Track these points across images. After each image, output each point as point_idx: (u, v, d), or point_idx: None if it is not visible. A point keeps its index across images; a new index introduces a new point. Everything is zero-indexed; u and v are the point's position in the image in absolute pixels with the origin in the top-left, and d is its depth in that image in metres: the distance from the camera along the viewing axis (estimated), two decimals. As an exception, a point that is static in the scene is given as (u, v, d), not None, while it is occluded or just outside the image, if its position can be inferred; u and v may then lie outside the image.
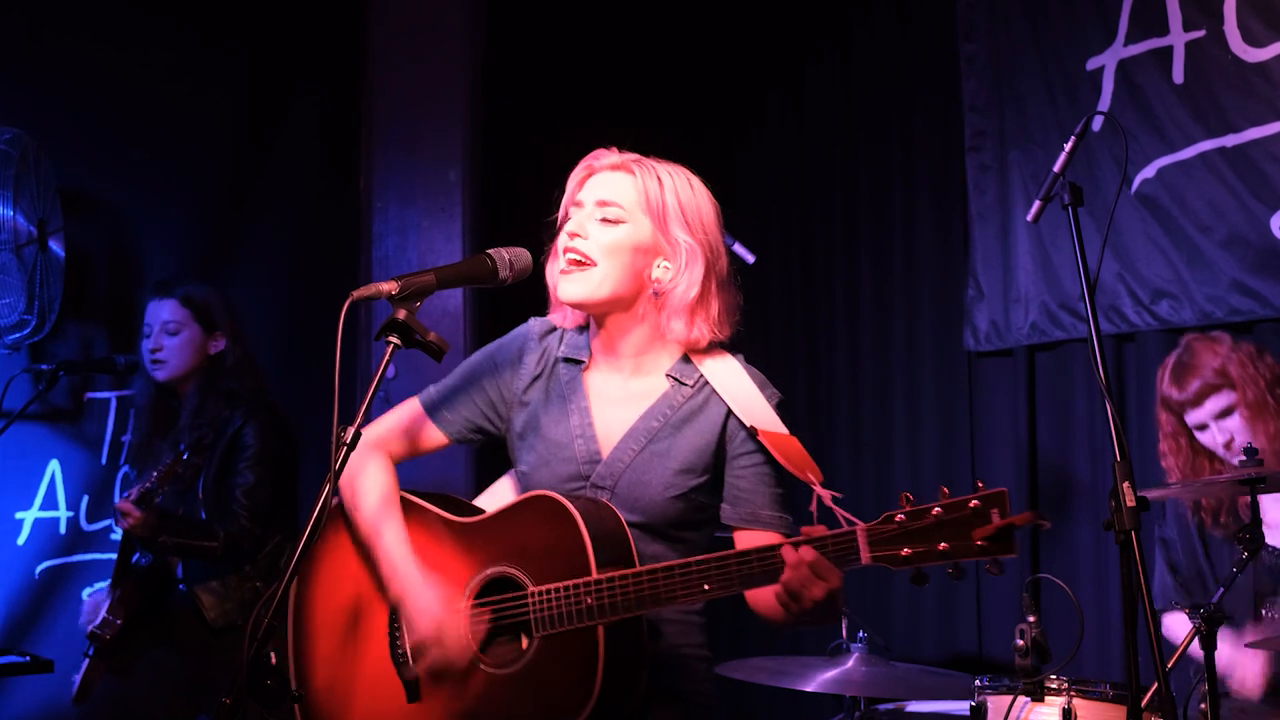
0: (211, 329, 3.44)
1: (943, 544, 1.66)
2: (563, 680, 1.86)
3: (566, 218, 2.05)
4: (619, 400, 2.04)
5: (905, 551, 1.68)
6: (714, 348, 2.05)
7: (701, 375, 2.02)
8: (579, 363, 2.07)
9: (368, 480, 2.07)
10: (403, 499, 2.10)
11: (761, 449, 1.97)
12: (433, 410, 2.13)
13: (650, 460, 1.98)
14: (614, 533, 1.90)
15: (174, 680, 3.33)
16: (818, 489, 1.72)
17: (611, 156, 2.04)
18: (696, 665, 2.05)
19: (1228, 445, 3.05)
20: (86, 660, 3.30)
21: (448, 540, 2.04)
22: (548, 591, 1.88)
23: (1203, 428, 3.10)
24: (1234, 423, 3.04)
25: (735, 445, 2.00)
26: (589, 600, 1.83)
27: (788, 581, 1.72)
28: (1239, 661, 2.87)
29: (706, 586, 1.79)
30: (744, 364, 2.04)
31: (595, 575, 1.84)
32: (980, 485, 1.67)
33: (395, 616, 2.01)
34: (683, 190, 2.02)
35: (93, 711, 3.33)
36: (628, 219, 1.99)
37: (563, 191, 2.08)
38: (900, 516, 1.69)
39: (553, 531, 1.90)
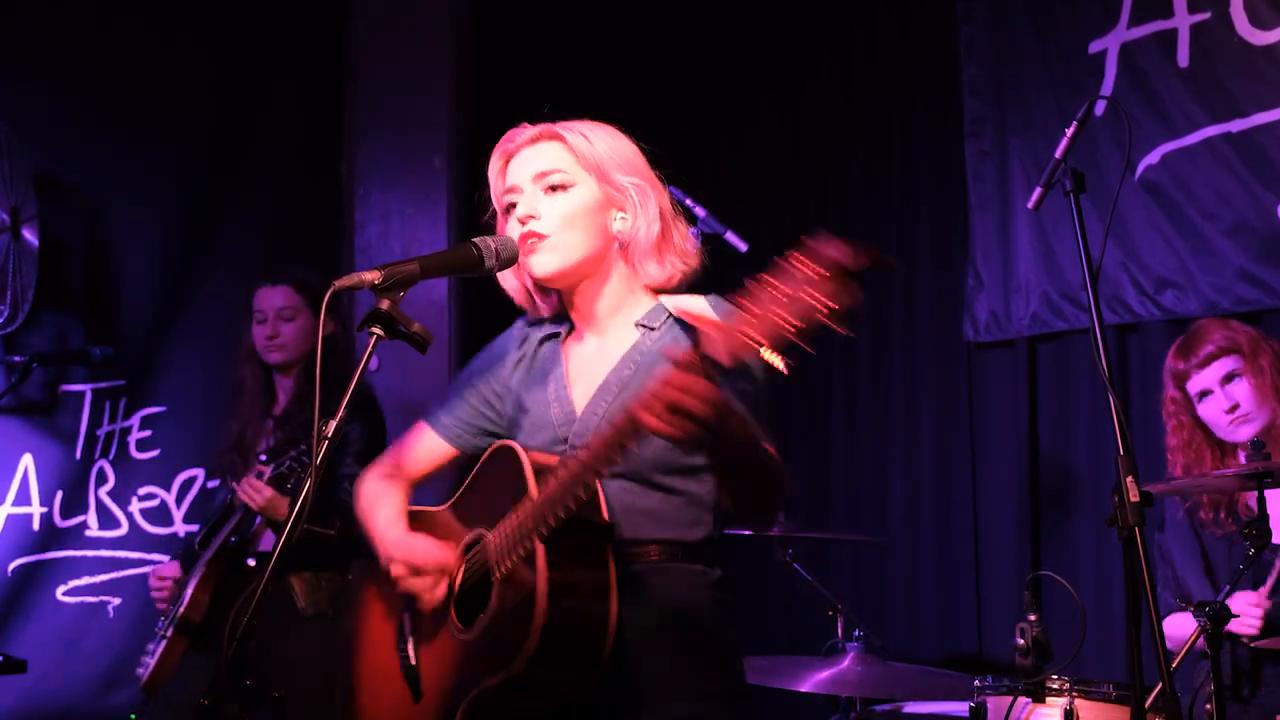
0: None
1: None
2: (511, 626, 1.77)
3: (503, 210, 2.00)
4: (594, 360, 2.00)
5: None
6: (684, 290, 1.98)
7: (668, 314, 1.96)
8: (557, 336, 2.05)
9: (363, 498, 2.11)
10: (411, 512, 2.09)
11: (729, 374, 1.77)
12: (433, 419, 2.13)
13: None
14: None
15: (250, 663, 3.26)
16: (776, 362, 1.49)
17: (529, 131, 2.00)
18: (712, 645, 1.89)
19: (1231, 411, 2.99)
20: (163, 642, 3.22)
21: (441, 523, 2.03)
22: (497, 531, 1.84)
23: (1206, 394, 3.04)
24: (1240, 389, 2.99)
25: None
26: (526, 522, 1.76)
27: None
28: (1236, 599, 2.78)
29: (614, 444, 1.64)
30: (715, 300, 1.93)
31: (534, 495, 1.78)
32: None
33: (401, 615, 2.01)
34: (609, 138, 1.99)
35: (161, 697, 3.24)
36: (573, 181, 1.95)
37: (487, 187, 2.04)
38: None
39: (504, 474, 1.88)
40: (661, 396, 1.56)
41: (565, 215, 1.93)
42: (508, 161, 2.00)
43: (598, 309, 1.99)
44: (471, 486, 2.02)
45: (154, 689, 3.21)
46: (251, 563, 3.29)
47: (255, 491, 3.13)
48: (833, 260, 1.42)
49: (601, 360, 1.98)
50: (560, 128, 1.97)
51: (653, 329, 1.96)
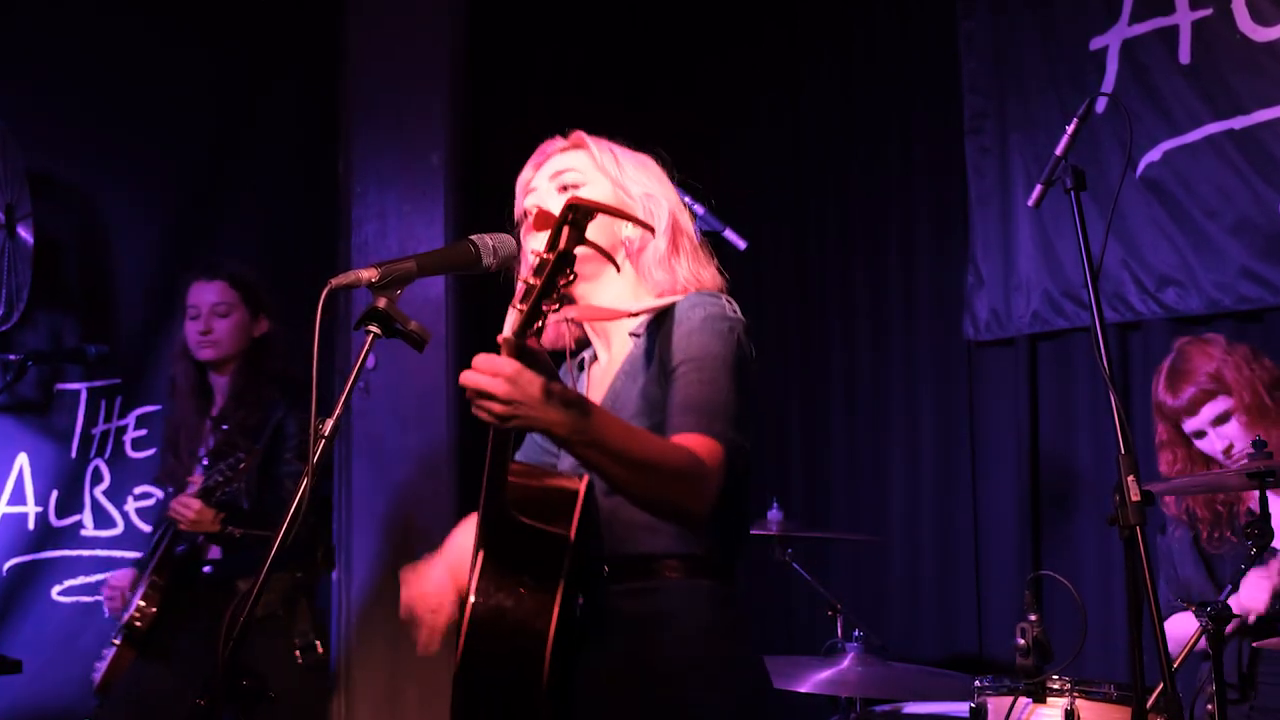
0: (257, 311, 3.41)
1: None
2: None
3: (522, 216, 2.01)
4: (601, 378, 1.99)
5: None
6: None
7: (651, 319, 1.95)
8: (583, 362, 2.05)
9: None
10: None
11: (689, 361, 1.83)
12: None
13: None
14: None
15: (202, 668, 3.25)
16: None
17: (559, 142, 2.03)
18: (698, 664, 1.83)
19: (1227, 452, 2.99)
20: (113, 648, 3.23)
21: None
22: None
23: (1200, 435, 3.04)
24: (1232, 429, 2.98)
25: (671, 367, 1.88)
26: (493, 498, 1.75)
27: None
28: (1248, 580, 2.77)
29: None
30: (697, 296, 1.92)
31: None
32: None
33: None
34: (634, 156, 2.03)
35: (113, 699, 3.25)
36: (585, 180, 1.97)
37: (510, 205, 2.06)
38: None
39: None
40: (466, 383, 1.55)
41: None
42: (534, 174, 2.02)
43: (599, 324, 1.98)
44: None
45: (106, 691, 3.21)
46: (207, 570, 3.27)
47: (184, 508, 3.09)
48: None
49: (606, 377, 1.97)
50: (589, 137, 2.02)
51: (639, 336, 1.94)
